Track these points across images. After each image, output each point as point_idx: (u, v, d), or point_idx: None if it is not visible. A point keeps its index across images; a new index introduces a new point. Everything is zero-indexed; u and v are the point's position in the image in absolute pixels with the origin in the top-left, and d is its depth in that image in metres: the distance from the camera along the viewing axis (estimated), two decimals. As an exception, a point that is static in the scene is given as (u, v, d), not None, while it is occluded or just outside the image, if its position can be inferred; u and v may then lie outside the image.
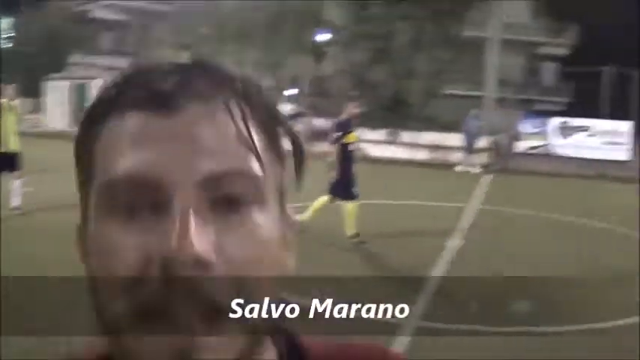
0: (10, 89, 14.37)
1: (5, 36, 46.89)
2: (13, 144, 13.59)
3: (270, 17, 36.08)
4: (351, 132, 12.11)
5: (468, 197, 18.39)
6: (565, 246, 12.50)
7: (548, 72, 49.31)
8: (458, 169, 25.90)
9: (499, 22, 32.82)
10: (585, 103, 38.04)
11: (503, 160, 27.42)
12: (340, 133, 11.98)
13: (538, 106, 40.51)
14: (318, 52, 37.81)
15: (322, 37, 37.83)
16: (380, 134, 31.14)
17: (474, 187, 20.68)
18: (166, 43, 38.54)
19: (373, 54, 32.04)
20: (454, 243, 12.21)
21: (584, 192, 20.81)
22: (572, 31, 46.27)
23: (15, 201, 13.34)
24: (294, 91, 42.20)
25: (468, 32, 34.13)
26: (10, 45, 45.50)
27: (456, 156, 27.98)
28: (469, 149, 26.51)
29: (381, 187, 18.93)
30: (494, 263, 10.55)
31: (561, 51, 47.47)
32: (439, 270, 10.21)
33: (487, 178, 23.71)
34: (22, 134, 34.50)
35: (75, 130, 0.85)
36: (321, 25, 37.96)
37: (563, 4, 41.96)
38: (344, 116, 12.35)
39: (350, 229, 11.67)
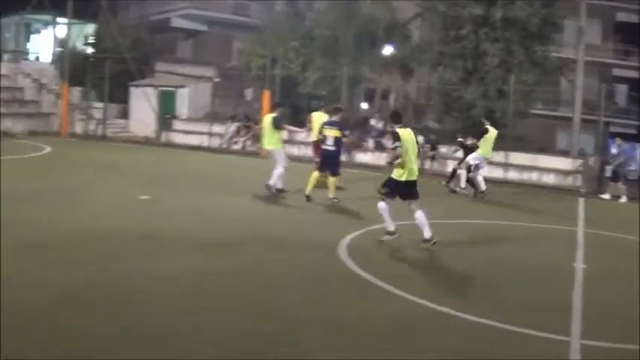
0: None
1: (89, 42, 47.62)
2: None
3: (357, 32, 36.66)
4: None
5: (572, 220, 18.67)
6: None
7: (620, 94, 49.24)
8: (605, 196, 25.86)
9: (583, 43, 33.12)
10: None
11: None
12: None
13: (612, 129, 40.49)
14: (406, 68, 38.18)
15: (387, 50, 38.40)
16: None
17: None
18: (253, 55, 39.13)
19: (462, 74, 32.44)
20: (579, 265, 12.59)
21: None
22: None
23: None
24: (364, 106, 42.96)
25: (555, 53, 34.28)
26: (94, 51, 46.20)
27: (549, 177, 28.45)
28: (616, 178, 26.22)
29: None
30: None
31: (631, 73, 47.47)
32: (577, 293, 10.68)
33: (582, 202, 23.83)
34: (109, 139, 35.97)
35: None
36: (407, 41, 38.49)
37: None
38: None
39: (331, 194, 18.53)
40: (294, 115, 34.32)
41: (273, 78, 35.99)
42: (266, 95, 34.07)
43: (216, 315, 8.42)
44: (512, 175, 29.53)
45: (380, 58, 38.11)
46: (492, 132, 22.28)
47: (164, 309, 8.53)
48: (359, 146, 32.99)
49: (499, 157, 29.98)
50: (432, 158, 31.32)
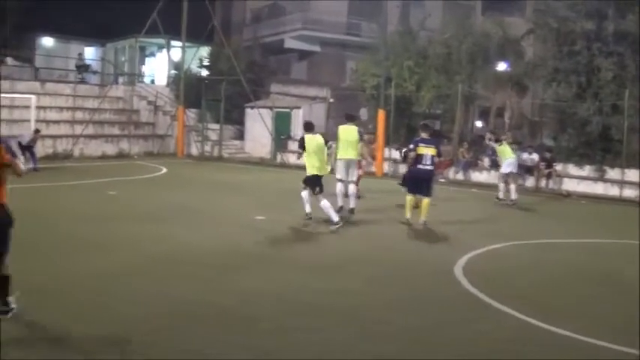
0: None
1: (203, 64, 49.66)
2: None
3: (470, 49, 37.82)
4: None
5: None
6: None
7: None
8: None
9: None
10: None
11: None
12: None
13: None
14: (521, 84, 39.01)
15: (501, 67, 39.30)
16: (585, 171, 32.37)
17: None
18: (367, 74, 40.39)
19: (577, 89, 33.04)
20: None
21: None
22: None
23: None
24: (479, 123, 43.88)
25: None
26: (209, 73, 48.20)
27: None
28: None
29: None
30: None
31: None
32: None
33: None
34: (225, 160, 37.51)
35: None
36: (521, 57, 39.25)
37: None
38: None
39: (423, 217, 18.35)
40: (408, 135, 35.35)
41: (388, 97, 37.17)
42: (381, 115, 35.52)
43: (334, 334, 8.89)
44: (628, 192, 29.69)
45: (494, 75, 39.14)
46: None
47: (280, 327, 9.09)
48: (474, 165, 34.19)
49: (615, 174, 30.92)
50: (548, 176, 31.33)
